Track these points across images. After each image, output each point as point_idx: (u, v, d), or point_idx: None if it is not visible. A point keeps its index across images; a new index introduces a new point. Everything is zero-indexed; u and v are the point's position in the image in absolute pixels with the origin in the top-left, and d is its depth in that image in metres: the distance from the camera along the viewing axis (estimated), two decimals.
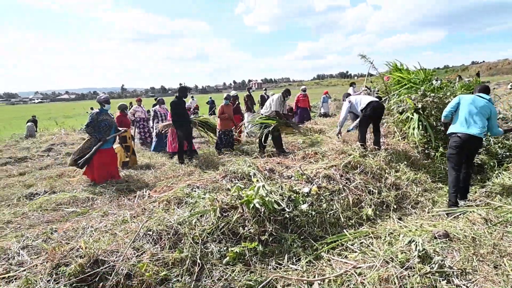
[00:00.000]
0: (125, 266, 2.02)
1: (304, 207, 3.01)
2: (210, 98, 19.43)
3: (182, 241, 2.35)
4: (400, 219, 3.21)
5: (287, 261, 2.42)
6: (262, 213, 2.73)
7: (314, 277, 2.20)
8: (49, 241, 2.52)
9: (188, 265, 2.13)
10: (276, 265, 2.38)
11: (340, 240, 2.75)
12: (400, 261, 2.15)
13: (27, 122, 13.82)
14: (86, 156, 4.65)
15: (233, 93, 8.07)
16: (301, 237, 2.71)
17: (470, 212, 3.07)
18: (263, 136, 5.99)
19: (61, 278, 1.91)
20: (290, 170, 3.92)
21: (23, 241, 2.59)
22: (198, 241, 2.36)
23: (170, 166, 5.59)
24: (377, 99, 5.04)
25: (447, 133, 3.69)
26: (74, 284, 1.87)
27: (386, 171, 4.11)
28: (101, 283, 1.94)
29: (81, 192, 4.03)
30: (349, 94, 5.44)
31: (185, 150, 6.07)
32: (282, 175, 3.74)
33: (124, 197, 3.79)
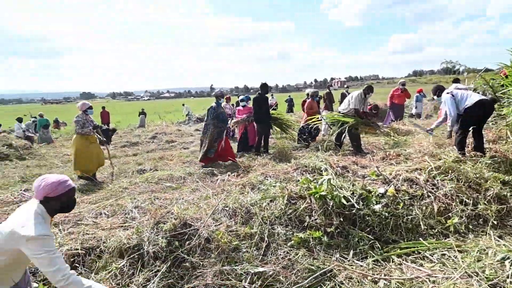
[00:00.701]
0: (206, 231, 2.40)
1: (377, 207, 2.89)
2: (289, 96, 19.70)
3: (253, 220, 2.61)
4: (500, 237, 2.72)
5: (352, 256, 2.41)
6: (330, 206, 2.76)
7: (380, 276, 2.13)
8: (152, 205, 3.18)
9: (256, 240, 2.38)
10: (340, 258, 2.40)
11: (417, 247, 2.54)
12: (486, 277, 1.88)
13: (139, 115, 16.97)
14: (211, 147, 5.45)
15: (308, 90, 8.06)
16: (370, 237, 2.62)
17: None
18: (339, 135, 5.83)
19: (159, 232, 2.42)
20: (366, 170, 3.76)
21: (135, 202, 3.32)
22: (266, 221, 2.59)
23: (247, 157, 6.05)
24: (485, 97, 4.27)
25: None
26: (168, 238, 2.34)
27: (489, 181, 3.49)
28: (188, 242, 2.37)
29: (176, 172, 4.82)
30: (439, 88, 4.61)
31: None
32: (356, 173, 3.63)
33: (208, 179, 4.37)
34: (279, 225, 2.61)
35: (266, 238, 2.40)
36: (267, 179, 3.47)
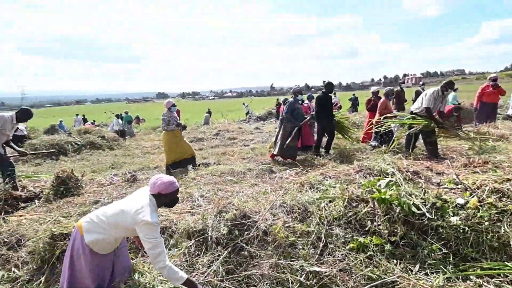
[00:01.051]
0: (264, 224, 2.49)
1: (454, 219, 2.56)
2: (354, 95, 18.66)
3: (310, 218, 2.60)
4: None
5: (418, 270, 2.19)
6: (396, 213, 2.56)
7: None
8: (216, 195, 3.43)
9: (313, 239, 2.37)
10: (404, 269, 2.21)
11: (504, 270, 2.18)
12: None
13: (205, 113, 18.29)
14: (287, 142, 5.56)
15: (373, 88, 7.46)
16: (444, 250, 2.34)
17: None
18: (409, 139, 5.27)
19: (222, 220, 2.61)
20: (442, 177, 3.36)
21: (201, 192, 3.64)
22: (324, 221, 2.54)
23: (306, 156, 5.98)
24: None
25: None
26: (229, 226, 2.51)
27: None
28: (246, 233, 2.50)
29: (237, 167, 5.08)
30: None
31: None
32: (429, 180, 3.27)
33: (266, 175, 4.49)
34: (337, 227, 2.54)
35: (323, 238, 2.37)
36: (327, 180, 3.39)
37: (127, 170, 5.36)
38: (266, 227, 2.47)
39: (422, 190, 2.88)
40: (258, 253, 2.31)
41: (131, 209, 1.86)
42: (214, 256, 2.30)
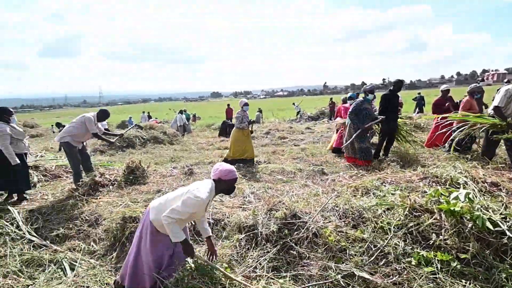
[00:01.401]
0: (314, 226, 2.45)
1: None
2: (419, 93, 16.96)
3: (365, 225, 2.47)
4: None
5: None
6: (468, 228, 2.27)
7: None
8: (266, 193, 3.49)
9: (367, 246, 2.24)
10: None
11: None
12: None
13: (256, 112, 18.63)
14: (346, 143, 5.26)
15: (443, 87, 6.63)
16: None
17: None
18: (488, 144, 4.56)
19: (271, 218, 2.64)
20: None
21: (252, 188, 3.73)
22: (380, 230, 2.39)
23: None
24: None
25: None
26: (279, 225, 2.53)
27: None
28: (296, 233, 2.49)
29: (287, 166, 5.08)
30: None
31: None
32: None
33: (318, 177, 4.38)
34: (395, 237, 2.36)
35: (379, 247, 2.22)
36: (385, 185, 3.17)
37: (185, 164, 5.77)
38: (316, 229, 2.42)
39: (503, 204, 2.49)
40: (308, 254, 2.28)
41: (191, 187, 2.10)
42: (263, 252, 2.34)
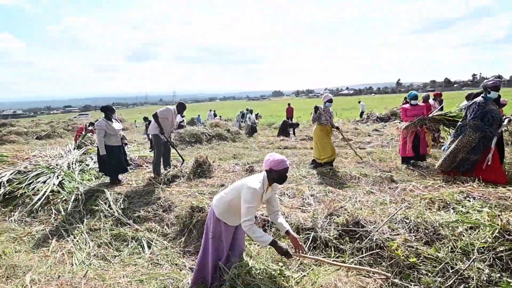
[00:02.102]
0: (379, 237, 2.29)
1: None
2: None
3: (441, 242, 2.19)
4: None
5: None
6: None
7: None
8: (326, 196, 3.39)
9: (442, 267, 1.99)
10: None
11: None
12: None
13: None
14: (464, 159, 4.03)
15: None
16: None
17: None
18: None
19: (331, 223, 2.57)
20: None
21: (311, 191, 3.67)
22: (459, 250, 2.09)
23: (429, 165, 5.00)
24: None
25: None
26: (339, 231, 2.44)
27: None
28: (358, 241, 2.36)
29: (351, 170, 4.82)
30: None
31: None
32: None
33: (385, 184, 4.05)
34: (479, 260, 2.04)
35: (457, 269, 1.96)
36: (469, 200, 2.76)
37: (246, 161, 6.01)
38: (382, 241, 2.26)
39: None
40: (369, 267, 2.15)
41: (245, 180, 2.20)
42: (322, 256, 2.30)
